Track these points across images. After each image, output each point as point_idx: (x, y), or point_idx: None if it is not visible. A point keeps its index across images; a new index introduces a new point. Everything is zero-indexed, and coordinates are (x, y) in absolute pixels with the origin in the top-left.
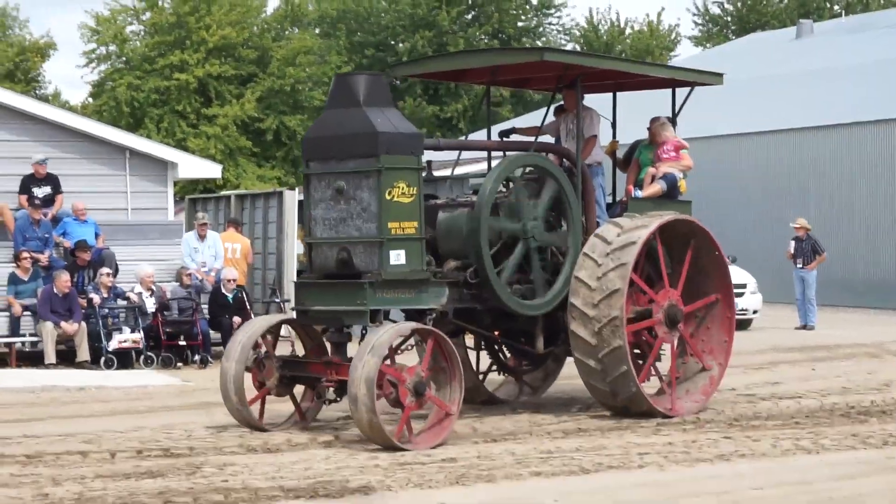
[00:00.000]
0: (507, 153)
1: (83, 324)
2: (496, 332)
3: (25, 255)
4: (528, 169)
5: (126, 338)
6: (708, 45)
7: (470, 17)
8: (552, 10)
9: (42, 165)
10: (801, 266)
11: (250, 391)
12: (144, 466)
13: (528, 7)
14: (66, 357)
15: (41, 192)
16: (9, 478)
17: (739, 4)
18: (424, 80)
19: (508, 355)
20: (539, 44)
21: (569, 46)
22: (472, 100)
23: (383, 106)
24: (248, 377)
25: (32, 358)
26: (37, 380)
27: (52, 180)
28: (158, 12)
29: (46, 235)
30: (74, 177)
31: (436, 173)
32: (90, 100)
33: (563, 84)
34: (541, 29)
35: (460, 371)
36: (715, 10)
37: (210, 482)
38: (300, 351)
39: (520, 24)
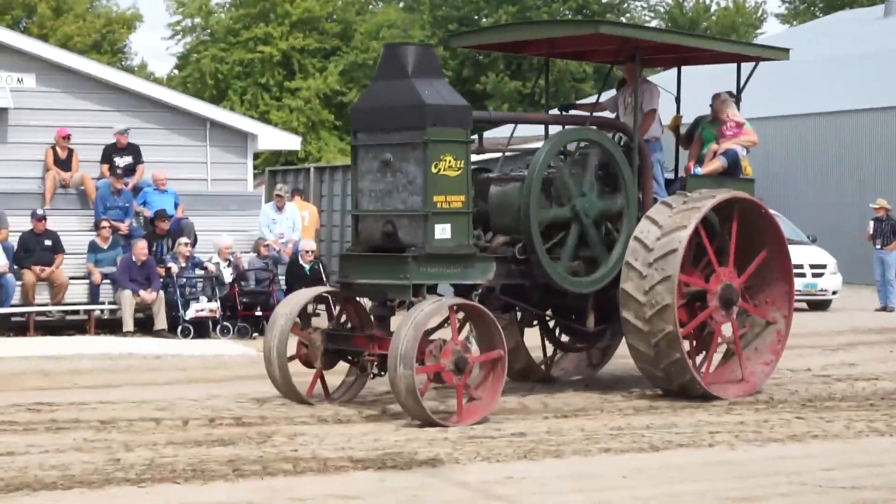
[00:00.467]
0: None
1: (161, 292)
2: (547, 310)
3: (105, 223)
4: (582, 144)
5: (203, 307)
6: (795, 22)
7: None
8: None
9: (124, 135)
10: (880, 247)
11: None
12: (216, 434)
13: None
14: (144, 325)
15: (123, 161)
16: (83, 442)
17: None
18: (492, 52)
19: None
20: (623, 20)
21: (653, 23)
22: (555, 75)
23: (432, 77)
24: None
25: (111, 326)
26: (114, 347)
27: (133, 150)
28: None
29: (127, 205)
30: (155, 147)
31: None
32: (175, 72)
33: (621, 57)
34: (625, 5)
35: (490, 316)
36: None
37: (280, 451)
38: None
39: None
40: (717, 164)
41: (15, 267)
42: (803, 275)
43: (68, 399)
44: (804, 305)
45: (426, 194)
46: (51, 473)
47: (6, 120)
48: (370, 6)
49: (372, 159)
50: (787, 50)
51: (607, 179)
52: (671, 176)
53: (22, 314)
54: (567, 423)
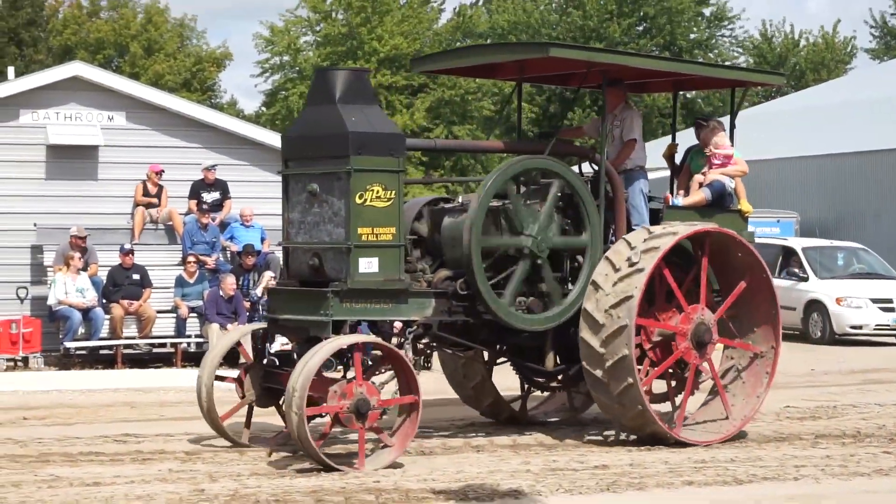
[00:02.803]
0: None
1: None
2: (502, 349)
3: (192, 258)
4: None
5: (288, 340)
6: (885, 58)
7: (641, 28)
8: (725, 23)
9: (211, 171)
10: None
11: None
12: (299, 465)
13: (700, 19)
14: (230, 358)
15: (210, 197)
16: (168, 473)
17: None
18: (461, 76)
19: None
20: (710, 56)
21: (741, 59)
22: (641, 109)
23: (363, 104)
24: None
25: (197, 358)
26: None
27: (220, 186)
28: (331, 23)
29: (214, 239)
30: (242, 183)
31: None
32: (264, 109)
33: (591, 82)
34: (713, 41)
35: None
36: (894, 21)
37: (362, 483)
38: None
39: (692, 35)
40: (700, 196)
41: (104, 301)
42: (893, 309)
43: (154, 430)
44: (893, 340)
45: (349, 226)
46: None
47: (97, 157)
48: (457, 44)
49: (301, 190)
50: (782, 74)
51: (571, 212)
52: (662, 206)
53: (110, 347)
54: (650, 455)
